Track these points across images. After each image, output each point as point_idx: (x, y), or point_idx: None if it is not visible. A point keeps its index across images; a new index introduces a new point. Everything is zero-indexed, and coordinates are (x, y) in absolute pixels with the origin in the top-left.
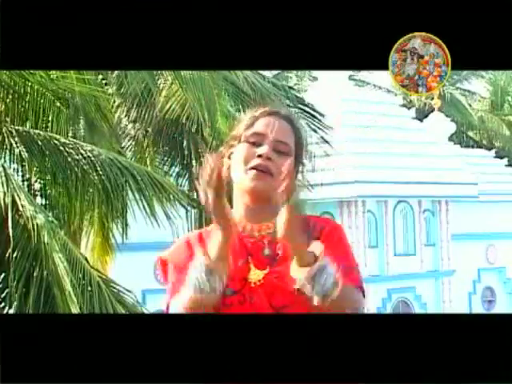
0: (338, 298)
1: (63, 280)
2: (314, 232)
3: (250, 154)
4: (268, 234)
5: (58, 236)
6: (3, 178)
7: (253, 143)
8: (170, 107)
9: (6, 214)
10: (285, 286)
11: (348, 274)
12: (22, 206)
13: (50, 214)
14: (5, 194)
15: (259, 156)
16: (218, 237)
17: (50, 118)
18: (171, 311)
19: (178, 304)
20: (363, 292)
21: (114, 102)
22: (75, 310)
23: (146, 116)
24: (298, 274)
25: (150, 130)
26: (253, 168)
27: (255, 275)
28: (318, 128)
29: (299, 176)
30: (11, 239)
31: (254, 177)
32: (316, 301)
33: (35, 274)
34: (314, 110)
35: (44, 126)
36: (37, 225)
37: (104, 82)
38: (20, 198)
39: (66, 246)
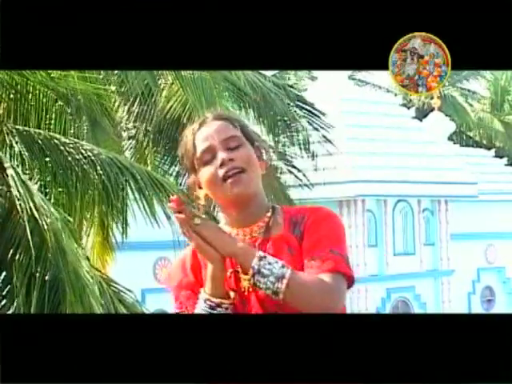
0: (299, 292)
1: (83, 276)
2: (298, 225)
3: (213, 171)
4: (259, 234)
5: (69, 234)
6: (13, 177)
7: (208, 161)
8: (171, 107)
9: (8, 213)
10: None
11: (323, 260)
12: (34, 205)
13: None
14: (19, 195)
15: (221, 165)
16: (210, 270)
17: (52, 118)
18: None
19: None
20: (347, 275)
21: (115, 101)
22: (97, 307)
23: (147, 115)
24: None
25: (150, 129)
26: (225, 178)
27: (246, 282)
28: (320, 127)
29: (265, 156)
30: (26, 237)
31: (230, 186)
32: (271, 297)
33: (39, 274)
34: (315, 109)
35: (47, 125)
36: (48, 223)
37: (105, 80)
38: (29, 197)
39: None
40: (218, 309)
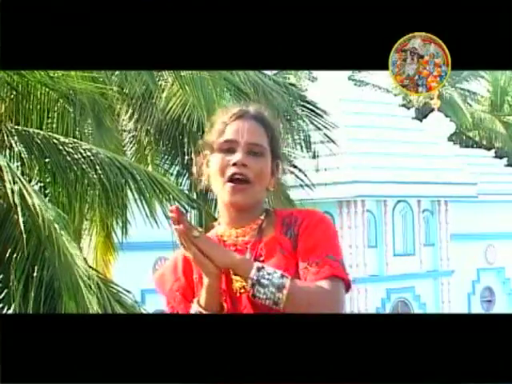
0: (300, 301)
1: (77, 277)
2: (293, 227)
3: (224, 164)
4: (252, 236)
5: (68, 232)
6: (9, 177)
7: (226, 151)
8: (171, 108)
9: (6, 213)
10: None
11: (320, 266)
12: (32, 203)
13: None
14: (12, 191)
15: (234, 164)
16: (206, 283)
17: (54, 117)
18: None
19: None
20: (344, 280)
21: (117, 100)
22: (95, 305)
23: (147, 116)
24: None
25: (151, 129)
26: (230, 180)
27: (238, 283)
28: (324, 126)
29: (279, 171)
30: (23, 236)
31: (231, 190)
32: (271, 307)
33: (36, 274)
34: (317, 108)
35: (49, 125)
36: (45, 223)
37: (106, 80)
38: (30, 195)
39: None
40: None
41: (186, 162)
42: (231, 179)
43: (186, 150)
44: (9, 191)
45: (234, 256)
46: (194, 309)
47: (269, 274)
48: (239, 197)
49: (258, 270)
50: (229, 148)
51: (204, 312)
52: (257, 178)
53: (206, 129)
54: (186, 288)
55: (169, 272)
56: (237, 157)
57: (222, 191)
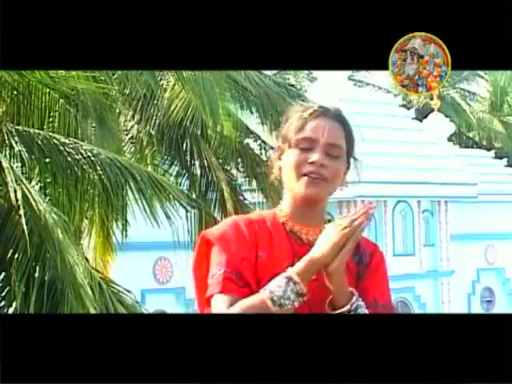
0: None
1: (78, 277)
2: (365, 256)
3: (301, 161)
4: (315, 239)
5: (69, 234)
6: (12, 177)
7: (304, 147)
8: (173, 110)
9: (7, 213)
10: (326, 296)
11: (387, 311)
12: (34, 204)
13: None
14: (15, 191)
15: (311, 163)
16: (316, 265)
17: (56, 117)
18: (216, 303)
19: (241, 304)
20: None
21: (118, 100)
22: (92, 308)
23: (149, 117)
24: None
25: (152, 130)
26: (305, 175)
27: None
28: None
29: (350, 170)
30: (24, 237)
31: (306, 184)
32: None
33: (38, 274)
34: None
35: (50, 125)
36: (48, 222)
37: (107, 80)
38: (32, 196)
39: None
40: (301, 299)
41: (186, 161)
42: (307, 175)
43: (187, 151)
44: (11, 192)
45: (345, 283)
46: (281, 279)
47: (356, 308)
48: (314, 190)
49: (351, 306)
50: (307, 146)
51: (302, 285)
52: (332, 177)
53: (282, 120)
54: (251, 255)
55: (232, 234)
56: (315, 156)
57: (295, 184)
